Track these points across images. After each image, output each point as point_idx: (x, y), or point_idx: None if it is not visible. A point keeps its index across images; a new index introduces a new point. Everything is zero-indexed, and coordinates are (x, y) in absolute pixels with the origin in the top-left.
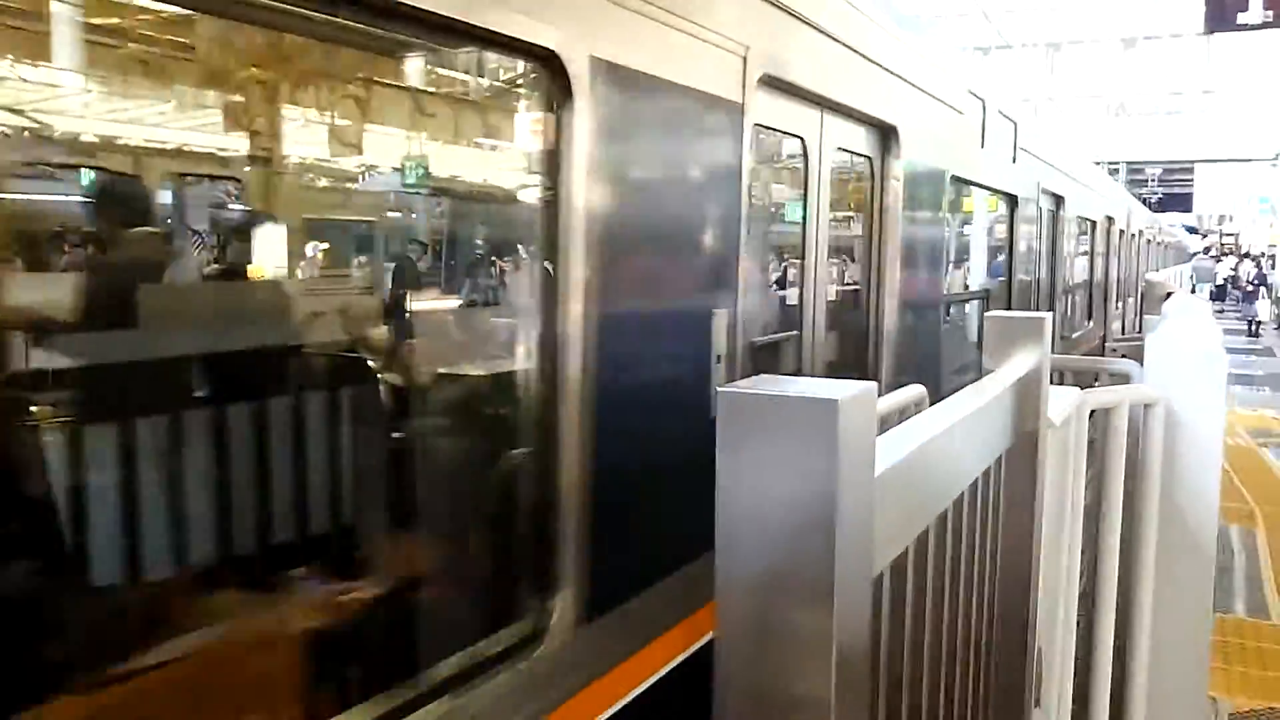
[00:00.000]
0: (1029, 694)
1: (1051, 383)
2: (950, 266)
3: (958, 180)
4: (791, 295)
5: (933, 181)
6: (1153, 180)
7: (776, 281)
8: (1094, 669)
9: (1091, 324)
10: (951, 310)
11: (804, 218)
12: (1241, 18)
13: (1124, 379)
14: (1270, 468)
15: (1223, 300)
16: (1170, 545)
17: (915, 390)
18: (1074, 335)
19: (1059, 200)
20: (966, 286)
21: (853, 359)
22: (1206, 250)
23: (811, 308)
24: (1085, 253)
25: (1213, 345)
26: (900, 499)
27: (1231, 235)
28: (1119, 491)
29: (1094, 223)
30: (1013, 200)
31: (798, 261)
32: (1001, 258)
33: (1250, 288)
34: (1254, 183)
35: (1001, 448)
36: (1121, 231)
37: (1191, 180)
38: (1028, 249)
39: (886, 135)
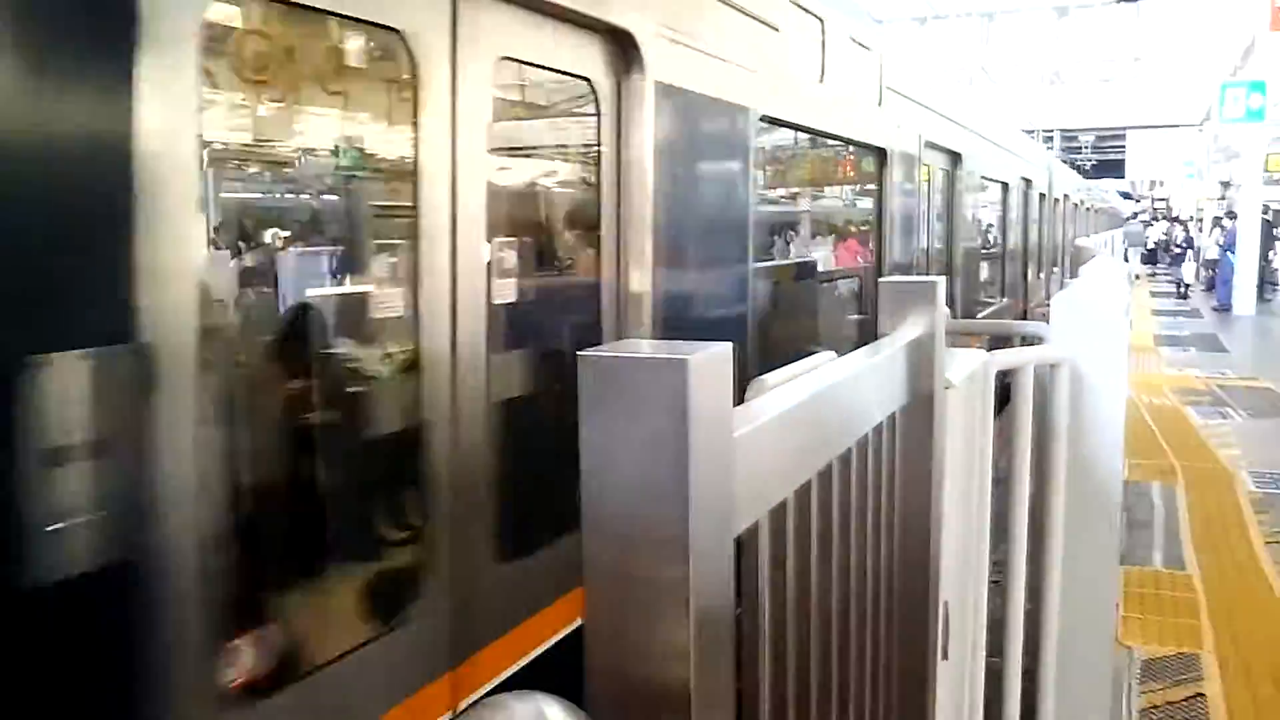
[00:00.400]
0: (932, 646)
1: (973, 346)
2: (767, 242)
3: (772, 122)
4: (397, 302)
5: (721, 123)
6: (1087, 147)
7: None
8: (1007, 621)
9: (1007, 299)
10: (776, 305)
11: (416, 170)
12: None
13: (1036, 341)
14: (1192, 426)
15: (1155, 264)
16: (1078, 501)
17: (826, 355)
18: (983, 313)
19: (955, 158)
20: (808, 266)
21: (552, 414)
22: (1134, 215)
23: (447, 324)
24: (996, 219)
25: (1114, 306)
26: (774, 454)
27: (1163, 200)
28: (1026, 448)
29: (1007, 185)
30: (881, 155)
31: (411, 246)
32: (867, 226)
33: (1179, 250)
34: (1182, 148)
35: (895, 406)
36: (1043, 195)
37: (1124, 146)
38: (907, 215)
39: (620, 47)
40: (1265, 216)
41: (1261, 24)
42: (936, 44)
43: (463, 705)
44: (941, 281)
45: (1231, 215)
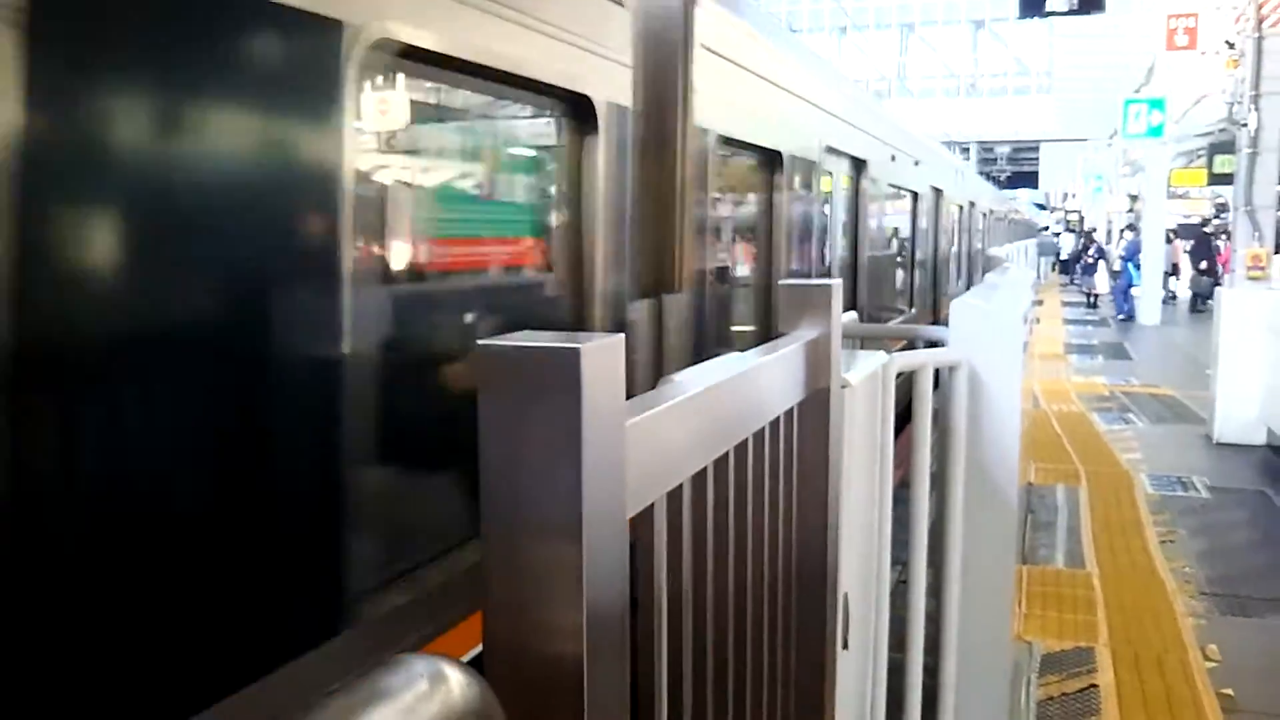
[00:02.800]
0: (831, 636)
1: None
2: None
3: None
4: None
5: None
6: (1002, 159)
7: None
8: (909, 616)
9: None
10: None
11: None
12: (1050, 4)
13: (939, 344)
14: (1097, 431)
15: (1069, 273)
16: (978, 500)
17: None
18: None
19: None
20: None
21: None
22: (1045, 229)
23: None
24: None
25: (1011, 310)
26: (669, 441)
27: (1075, 211)
28: (926, 448)
29: (915, 193)
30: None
31: None
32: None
33: (1090, 261)
34: (1091, 162)
35: (793, 401)
36: (961, 207)
37: (1037, 158)
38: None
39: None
40: (1169, 229)
41: (1161, 44)
42: (856, 53)
43: None
44: (839, 284)
45: (1132, 228)
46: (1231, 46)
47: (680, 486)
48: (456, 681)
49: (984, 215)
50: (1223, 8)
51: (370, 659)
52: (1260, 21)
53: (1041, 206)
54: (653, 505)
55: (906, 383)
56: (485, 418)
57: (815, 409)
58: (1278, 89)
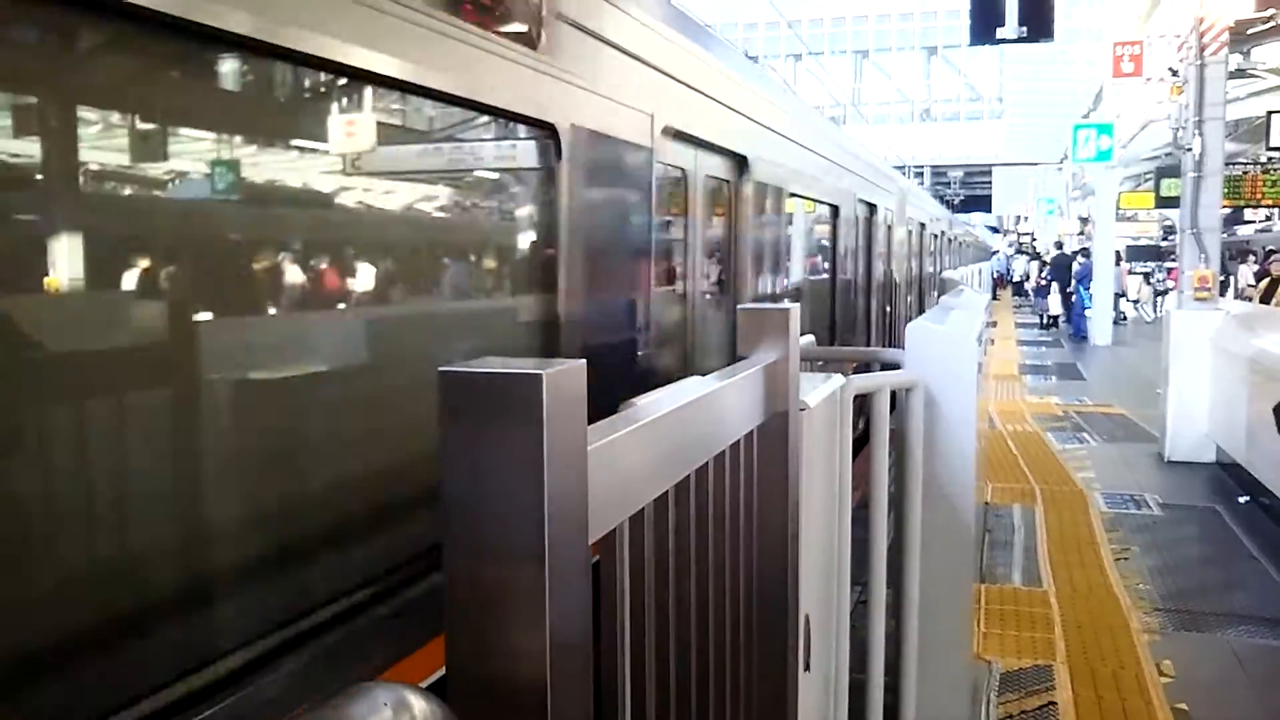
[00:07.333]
0: (792, 657)
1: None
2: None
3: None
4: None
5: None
6: (955, 182)
7: None
8: (870, 636)
9: None
10: None
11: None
12: (1000, 32)
13: (894, 366)
14: (1051, 450)
15: (1023, 295)
16: (935, 520)
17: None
18: None
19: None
20: None
21: None
22: (994, 252)
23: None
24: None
25: (963, 333)
26: (631, 466)
27: (1028, 234)
28: (884, 469)
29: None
30: None
31: None
32: None
33: (1043, 283)
34: (1042, 186)
35: (752, 424)
36: (923, 227)
37: (990, 182)
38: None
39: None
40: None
41: (1107, 71)
42: (812, 79)
43: None
44: (796, 309)
45: (1085, 253)
46: (1175, 74)
47: (642, 510)
48: (420, 709)
49: (938, 237)
50: (1167, 36)
51: None
52: (1202, 50)
53: (995, 229)
54: (615, 530)
55: (864, 404)
56: (448, 442)
57: (774, 431)
58: (1220, 115)
